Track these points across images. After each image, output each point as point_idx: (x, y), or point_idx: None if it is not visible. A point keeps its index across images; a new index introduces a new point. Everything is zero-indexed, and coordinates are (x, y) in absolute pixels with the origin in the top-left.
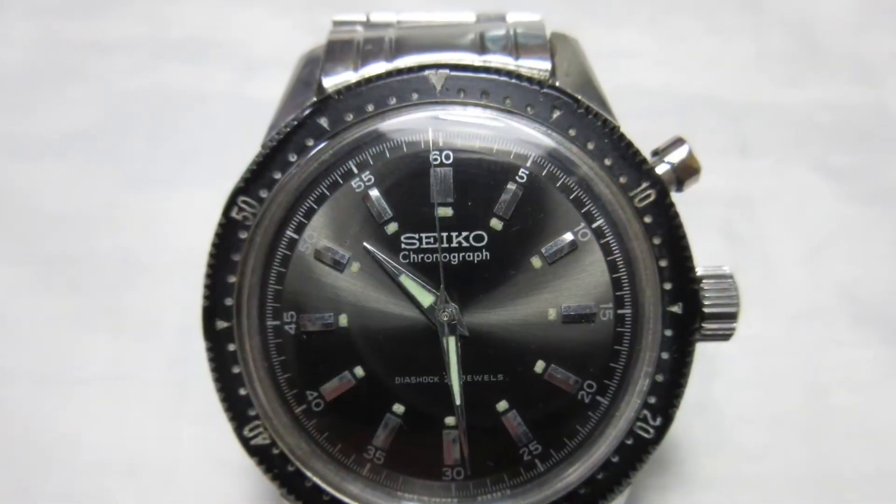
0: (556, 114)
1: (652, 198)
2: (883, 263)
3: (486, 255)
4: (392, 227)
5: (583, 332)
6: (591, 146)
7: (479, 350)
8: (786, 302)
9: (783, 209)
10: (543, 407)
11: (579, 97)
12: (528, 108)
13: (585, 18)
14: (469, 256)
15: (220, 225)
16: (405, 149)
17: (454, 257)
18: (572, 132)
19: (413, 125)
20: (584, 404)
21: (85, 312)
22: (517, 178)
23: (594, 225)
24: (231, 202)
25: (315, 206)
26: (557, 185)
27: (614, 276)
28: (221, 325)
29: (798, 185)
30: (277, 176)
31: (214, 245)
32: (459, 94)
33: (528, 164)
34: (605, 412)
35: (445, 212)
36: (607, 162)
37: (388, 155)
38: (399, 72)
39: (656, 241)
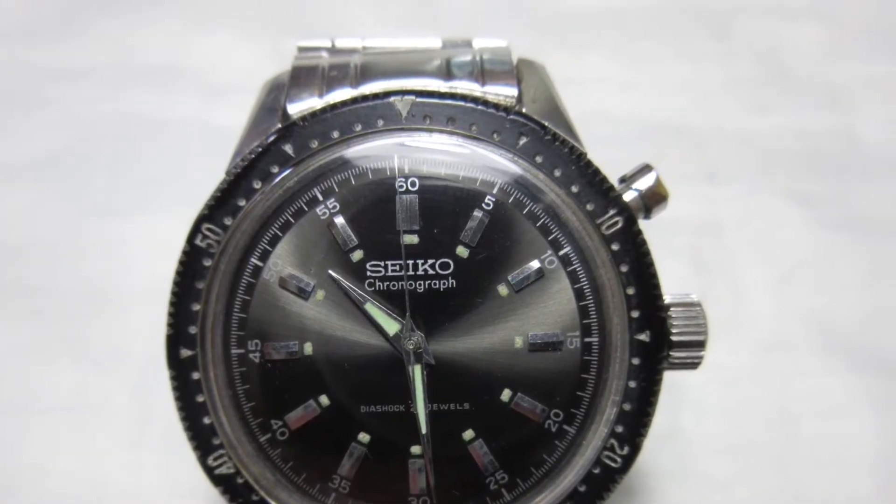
0: (523, 140)
1: (619, 225)
2: (852, 291)
3: (452, 283)
4: (357, 255)
5: (550, 360)
6: (557, 173)
7: (446, 378)
8: (754, 330)
9: (752, 236)
10: (510, 436)
11: (546, 124)
12: (495, 135)
13: (552, 44)
14: (435, 284)
15: (185, 252)
16: (371, 176)
17: (420, 285)
18: (539, 159)
19: (379, 152)
20: (551, 433)
21: (47, 341)
22: (483, 205)
23: (561, 252)
24: (195, 229)
25: (280, 234)
26: (524, 212)
27: (581, 304)
28: (185, 353)
29: (767, 212)
30: (242, 203)
31: (178, 273)
32: (425, 121)
33: (495, 192)
34: (572, 441)
35: (411, 239)
36: (574, 189)
37: (353, 182)
38: (364, 98)
39: (623, 268)
